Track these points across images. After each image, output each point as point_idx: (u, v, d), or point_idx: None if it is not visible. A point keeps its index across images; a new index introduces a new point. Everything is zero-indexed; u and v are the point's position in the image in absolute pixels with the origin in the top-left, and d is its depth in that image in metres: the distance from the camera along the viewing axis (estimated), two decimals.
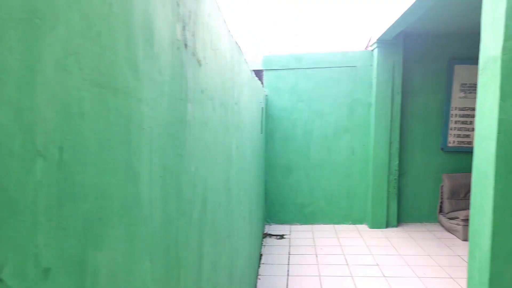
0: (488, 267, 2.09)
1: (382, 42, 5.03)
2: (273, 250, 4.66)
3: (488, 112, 2.04)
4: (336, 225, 5.67)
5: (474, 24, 4.77)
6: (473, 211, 2.26)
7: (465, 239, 4.85)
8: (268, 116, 5.57)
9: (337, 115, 5.55)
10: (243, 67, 2.18)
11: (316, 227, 5.59)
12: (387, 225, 5.47)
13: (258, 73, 5.52)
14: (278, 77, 5.57)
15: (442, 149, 5.52)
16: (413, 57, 5.41)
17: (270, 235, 5.25)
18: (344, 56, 5.42)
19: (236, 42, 1.78)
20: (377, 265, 4.17)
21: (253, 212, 3.24)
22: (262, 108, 4.33)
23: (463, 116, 5.40)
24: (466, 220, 4.85)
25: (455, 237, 5.06)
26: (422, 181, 5.60)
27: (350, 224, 5.68)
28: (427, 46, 5.41)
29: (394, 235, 5.17)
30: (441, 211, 5.51)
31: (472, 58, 5.29)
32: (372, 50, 5.31)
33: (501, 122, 1.95)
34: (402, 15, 3.71)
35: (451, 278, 3.79)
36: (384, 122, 5.26)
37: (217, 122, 1.33)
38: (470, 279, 2.33)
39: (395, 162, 5.38)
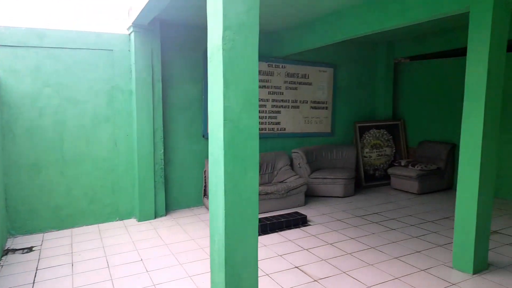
0: (223, 248, 2.18)
1: (139, 27, 4.80)
2: (15, 269, 3.77)
3: (216, 100, 2.10)
4: (101, 225, 5.18)
5: None
6: (210, 196, 2.33)
7: None
8: (2, 104, 4.45)
9: (95, 103, 5.00)
10: None
11: (77, 230, 4.94)
12: (156, 215, 5.40)
13: None
14: (15, 56, 4.50)
15: (203, 136, 5.84)
16: (173, 46, 5.45)
17: (14, 250, 4.27)
18: (98, 38, 4.88)
19: None
20: (141, 260, 3.99)
21: None
22: None
23: None
24: None
25: None
26: (187, 168, 5.78)
27: (117, 220, 5.31)
28: (185, 36, 5.54)
29: (162, 225, 5.14)
30: (205, 194, 5.87)
31: None
32: (130, 34, 5.01)
33: (226, 110, 2.03)
34: (149, 1, 3.56)
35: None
36: (146, 111, 5.09)
37: None
38: (212, 261, 2.42)
39: (160, 151, 5.33)
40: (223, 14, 1.92)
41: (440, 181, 6.68)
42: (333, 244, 4.36)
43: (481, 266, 3.54)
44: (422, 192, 6.51)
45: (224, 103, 2.01)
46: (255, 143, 2.14)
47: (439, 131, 7.03)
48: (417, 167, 6.52)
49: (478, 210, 3.38)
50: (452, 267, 3.65)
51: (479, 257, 3.50)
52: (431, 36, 6.66)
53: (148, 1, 3.63)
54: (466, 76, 3.25)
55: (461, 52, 6.29)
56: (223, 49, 1.96)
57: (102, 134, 5.09)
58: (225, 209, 2.12)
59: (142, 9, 3.95)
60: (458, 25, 5.77)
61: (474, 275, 3.48)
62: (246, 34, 2.00)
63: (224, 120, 2.03)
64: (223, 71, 1.98)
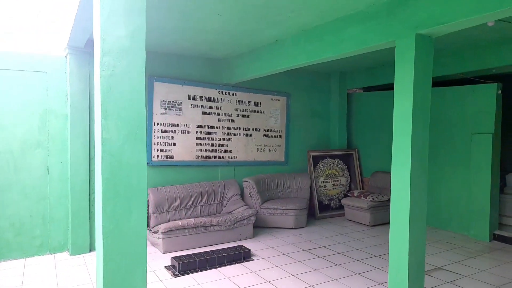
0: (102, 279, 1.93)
1: (74, 48, 4.59)
2: None
3: (97, 131, 1.90)
4: (28, 259, 4.76)
5: (169, 44, 5.07)
6: (96, 239, 2.09)
7: (166, 251, 5.00)
8: None
9: (26, 127, 4.69)
10: None
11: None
12: (91, 248, 5.02)
13: None
14: None
15: (147, 163, 5.57)
16: None
17: None
18: (30, 59, 4.64)
19: None
20: None
21: None
22: None
23: (164, 131, 5.64)
24: (165, 233, 5.01)
25: (157, 250, 5.14)
26: None
27: (48, 254, 4.90)
28: None
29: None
30: (148, 226, 5.54)
31: (169, 76, 5.65)
32: (66, 56, 4.79)
33: (105, 142, 1.83)
34: (75, 21, 3.38)
35: None
36: (82, 137, 4.82)
37: None
38: None
39: None
40: (101, 37, 1.76)
41: None
42: (271, 282, 4.11)
43: None
44: (374, 224, 6.40)
45: (102, 135, 1.81)
46: (142, 179, 1.94)
47: (391, 162, 7.02)
48: (369, 198, 6.43)
49: (410, 245, 3.23)
50: None
51: None
52: (380, 68, 6.75)
53: (74, 23, 3.45)
54: (394, 110, 3.20)
55: None
56: (101, 76, 1.78)
57: (32, 161, 4.76)
58: (103, 254, 1.88)
59: (71, 31, 3.77)
60: None
61: None
62: (130, 60, 1.84)
63: (103, 153, 1.82)
64: (101, 100, 1.79)
